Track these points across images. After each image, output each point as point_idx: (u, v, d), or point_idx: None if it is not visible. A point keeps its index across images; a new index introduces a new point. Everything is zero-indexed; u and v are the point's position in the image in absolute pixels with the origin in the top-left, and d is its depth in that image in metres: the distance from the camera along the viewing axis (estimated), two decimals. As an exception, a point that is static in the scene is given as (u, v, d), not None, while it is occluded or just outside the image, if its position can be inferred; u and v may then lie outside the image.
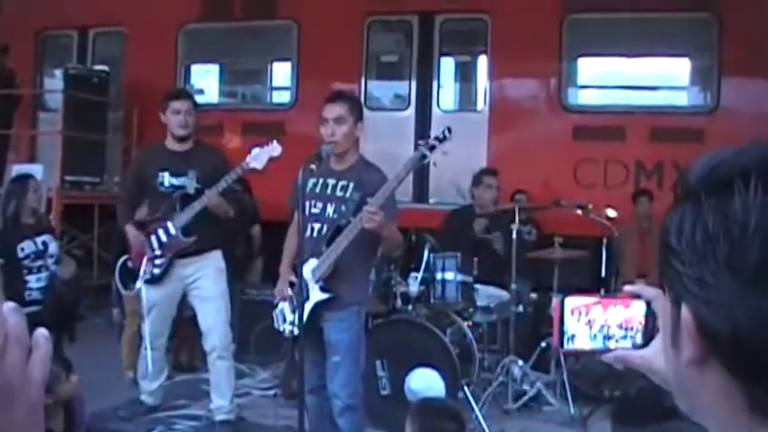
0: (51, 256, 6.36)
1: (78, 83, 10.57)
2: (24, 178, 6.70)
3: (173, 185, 5.92)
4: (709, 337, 0.85)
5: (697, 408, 0.94)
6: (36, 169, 9.73)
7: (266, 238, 8.26)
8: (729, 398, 0.87)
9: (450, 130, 4.76)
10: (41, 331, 0.81)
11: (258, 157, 5.78)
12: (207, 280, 6.01)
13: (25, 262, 6.25)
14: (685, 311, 0.87)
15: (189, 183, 5.89)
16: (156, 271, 5.96)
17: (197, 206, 5.78)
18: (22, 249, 6.25)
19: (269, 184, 8.25)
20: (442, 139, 4.72)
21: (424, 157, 4.71)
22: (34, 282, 6.26)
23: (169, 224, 5.88)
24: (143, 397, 6.32)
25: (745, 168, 0.84)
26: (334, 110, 4.85)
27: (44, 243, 6.35)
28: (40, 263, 6.29)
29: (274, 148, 5.80)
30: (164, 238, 5.91)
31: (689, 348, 0.88)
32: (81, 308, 6.47)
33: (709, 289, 0.84)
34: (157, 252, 5.93)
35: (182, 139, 6.01)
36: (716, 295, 0.83)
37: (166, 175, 5.92)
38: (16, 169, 9.64)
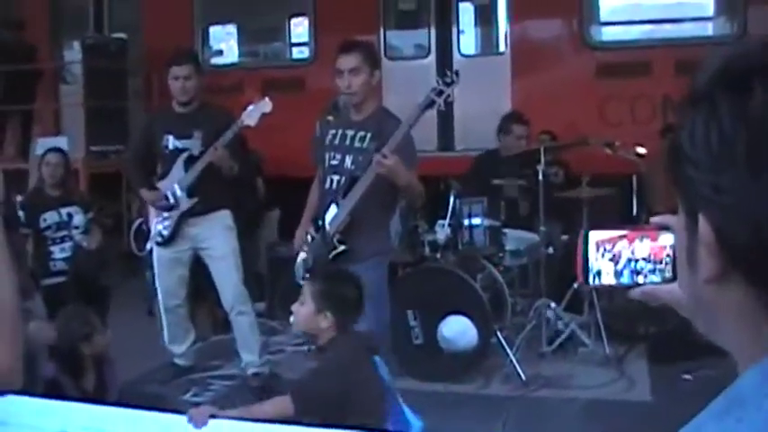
0: (76, 228, 6.45)
1: (96, 52, 10.53)
2: (45, 153, 6.82)
3: (177, 148, 5.96)
4: (729, 246, 0.79)
5: (715, 329, 0.88)
6: (61, 141, 9.75)
7: (284, 194, 8.21)
8: (750, 313, 0.81)
9: (457, 74, 4.82)
10: None
11: (251, 114, 5.85)
12: (217, 239, 6.04)
13: (47, 233, 6.40)
14: (703, 223, 0.80)
15: (193, 144, 5.92)
16: (165, 232, 6.02)
17: (199, 165, 5.84)
18: (44, 220, 6.41)
19: (290, 140, 8.20)
20: (449, 83, 4.73)
21: (432, 102, 4.72)
22: (58, 252, 6.43)
23: (175, 186, 5.93)
24: (176, 359, 6.36)
25: (764, 64, 0.77)
26: (348, 61, 4.82)
27: (69, 214, 6.47)
28: (63, 233, 6.42)
29: (266, 104, 5.89)
30: (170, 199, 5.96)
31: (708, 264, 0.82)
32: (104, 278, 6.53)
33: (727, 193, 0.77)
34: (164, 213, 6.00)
35: (185, 104, 6.02)
36: (735, 199, 0.77)
37: (171, 137, 5.97)
38: (41, 143, 9.66)
